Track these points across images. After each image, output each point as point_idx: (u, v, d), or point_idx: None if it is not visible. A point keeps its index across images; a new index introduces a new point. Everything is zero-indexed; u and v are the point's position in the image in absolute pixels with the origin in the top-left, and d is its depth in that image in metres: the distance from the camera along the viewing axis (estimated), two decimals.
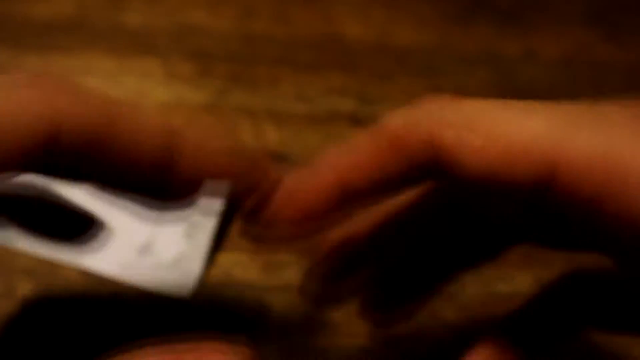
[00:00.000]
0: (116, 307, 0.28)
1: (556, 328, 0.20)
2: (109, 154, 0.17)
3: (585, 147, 0.15)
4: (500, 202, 0.18)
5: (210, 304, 0.29)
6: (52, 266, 0.29)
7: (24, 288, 0.28)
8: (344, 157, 0.19)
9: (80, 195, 0.31)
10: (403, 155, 0.17)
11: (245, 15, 0.42)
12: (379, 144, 0.18)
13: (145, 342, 0.17)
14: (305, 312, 0.29)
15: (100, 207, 0.31)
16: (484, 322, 0.29)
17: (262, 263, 0.30)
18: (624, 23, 0.44)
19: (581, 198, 0.15)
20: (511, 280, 0.30)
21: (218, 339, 0.17)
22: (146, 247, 0.30)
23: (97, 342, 0.28)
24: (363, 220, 0.21)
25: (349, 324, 0.28)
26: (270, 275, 0.30)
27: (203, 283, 0.29)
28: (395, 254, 0.22)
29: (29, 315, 0.28)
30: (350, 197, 0.18)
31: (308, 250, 0.22)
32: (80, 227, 0.22)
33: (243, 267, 0.30)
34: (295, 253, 0.30)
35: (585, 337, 0.27)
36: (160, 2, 0.42)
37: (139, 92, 0.36)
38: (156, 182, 0.19)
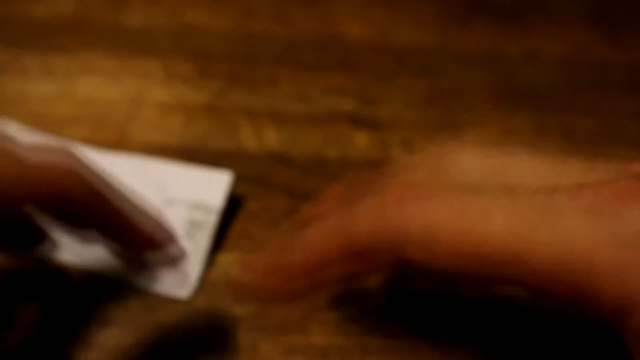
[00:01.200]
0: (116, 306, 0.28)
1: None
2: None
3: (545, 248, 0.16)
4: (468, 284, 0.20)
5: (210, 304, 0.29)
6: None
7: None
8: (309, 255, 0.20)
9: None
10: (369, 262, 0.19)
11: (245, 15, 0.42)
12: (344, 254, 0.19)
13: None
14: (305, 311, 0.29)
15: None
16: (484, 322, 0.29)
17: None
18: (624, 23, 0.45)
19: (550, 293, 0.17)
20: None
21: None
22: None
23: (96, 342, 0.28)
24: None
25: (349, 324, 0.28)
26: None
27: (203, 283, 0.29)
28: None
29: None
30: (319, 283, 0.20)
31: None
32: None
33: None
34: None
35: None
36: (160, 2, 0.42)
37: (139, 92, 0.36)
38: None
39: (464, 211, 0.17)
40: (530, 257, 0.16)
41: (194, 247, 0.30)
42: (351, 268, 0.19)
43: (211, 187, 0.31)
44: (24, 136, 0.33)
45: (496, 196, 0.17)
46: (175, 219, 0.30)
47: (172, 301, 0.28)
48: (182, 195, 0.31)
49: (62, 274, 0.29)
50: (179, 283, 0.29)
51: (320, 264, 0.19)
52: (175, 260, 0.24)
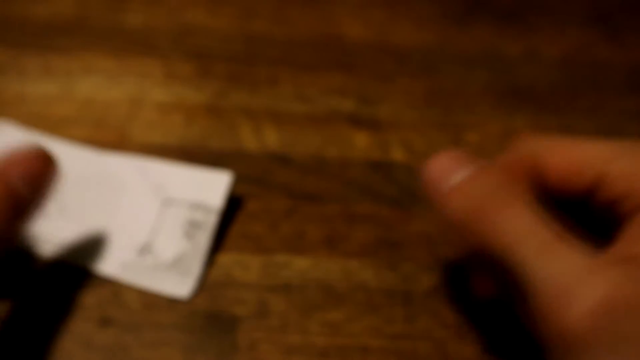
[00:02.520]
0: (116, 306, 0.28)
1: None
2: None
3: (622, 169, 0.24)
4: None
5: (210, 304, 0.29)
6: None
7: None
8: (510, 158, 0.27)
9: (82, 194, 0.31)
10: (527, 172, 0.26)
11: (245, 15, 0.42)
12: (525, 163, 0.26)
13: None
14: (305, 312, 0.29)
15: (101, 206, 0.31)
16: (484, 322, 0.29)
17: (262, 263, 0.30)
18: (624, 23, 0.44)
19: (616, 206, 0.24)
20: None
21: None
22: (146, 247, 0.30)
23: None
24: None
25: (349, 324, 0.28)
26: (270, 275, 0.30)
27: (203, 283, 0.29)
28: None
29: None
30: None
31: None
32: None
33: (243, 267, 0.30)
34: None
35: None
36: (160, 2, 0.42)
37: (139, 92, 0.36)
38: None
39: (575, 139, 0.26)
40: (610, 173, 0.24)
41: (194, 247, 0.30)
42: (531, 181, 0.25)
43: (211, 187, 0.31)
44: (24, 136, 0.33)
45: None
46: (175, 219, 0.30)
47: (172, 301, 0.28)
48: (182, 195, 0.31)
49: (58, 275, 0.29)
50: (179, 283, 0.29)
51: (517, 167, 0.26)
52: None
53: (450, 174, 0.25)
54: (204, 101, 0.37)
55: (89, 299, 0.28)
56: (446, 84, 0.39)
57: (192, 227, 0.30)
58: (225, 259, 0.30)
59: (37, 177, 0.25)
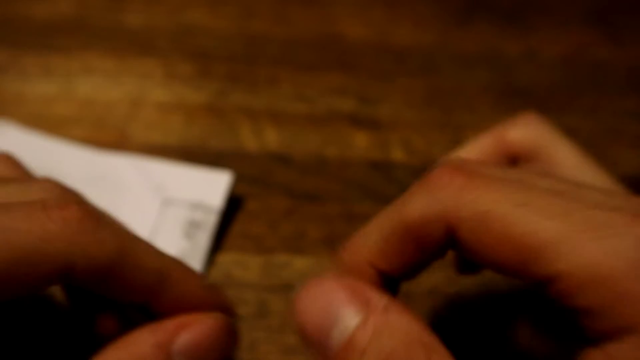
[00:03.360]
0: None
1: None
2: (112, 283, 0.20)
3: (586, 262, 0.16)
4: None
5: None
6: None
7: None
8: (369, 245, 0.20)
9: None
10: (423, 242, 0.19)
11: (245, 15, 0.42)
12: (400, 235, 0.19)
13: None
14: None
15: (101, 206, 0.31)
16: (485, 323, 0.29)
17: (262, 263, 0.30)
18: (624, 23, 0.45)
19: (575, 305, 0.17)
20: (511, 280, 0.30)
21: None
22: None
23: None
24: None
25: None
26: (270, 275, 0.30)
27: None
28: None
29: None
30: (384, 277, 0.20)
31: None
32: None
33: (243, 267, 0.30)
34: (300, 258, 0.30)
35: None
36: (160, 2, 0.42)
37: (139, 92, 0.36)
38: (147, 305, 0.22)
39: (519, 202, 0.18)
40: (570, 265, 0.16)
41: (194, 246, 0.30)
42: (408, 250, 0.19)
43: (211, 187, 0.31)
44: (24, 136, 0.33)
45: (558, 194, 0.18)
46: (175, 218, 0.30)
47: None
48: (182, 195, 0.31)
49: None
50: None
51: (382, 253, 0.19)
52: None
53: (336, 322, 0.18)
54: (204, 101, 0.37)
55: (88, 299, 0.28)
56: (446, 84, 0.39)
57: (192, 227, 0.30)
58: (225, 258, 0.30)
59: (207, 352, 0.21)
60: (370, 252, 0.19)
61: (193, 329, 0.21)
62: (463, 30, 0.43)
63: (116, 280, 0.20)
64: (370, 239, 0.19)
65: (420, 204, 0.18)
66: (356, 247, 0.20)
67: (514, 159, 0.26)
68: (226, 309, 0.22)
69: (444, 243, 0.18)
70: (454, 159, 0.20)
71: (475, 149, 0.26)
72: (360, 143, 0.35)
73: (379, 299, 0.18)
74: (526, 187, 0.18)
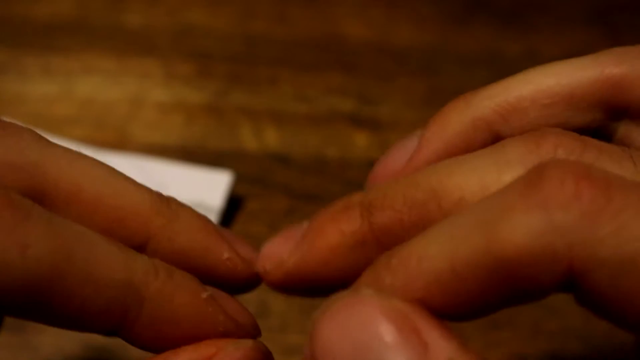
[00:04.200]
0: None
1: None
2: (50, 308, 0.14)
3: None
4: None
5: None
6: None
7: None
8: (427, 278, 0.12)
9: None
10: (522, 285, 0.12)
11: (245, 15, 0.42)
12: (486, 271, 0.12)
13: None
14: (305, 312, 0.29)
15: None
16: (484, 322, 0.29)
17: None
18: (624, 23, 0.44)
19: None
20: None
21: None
22: None
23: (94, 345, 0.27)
24: None
25: None
26: None
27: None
28: None
29: None
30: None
31: None
32: None
33: None
34: None
35: None
36: (160, 2, 0.42)
37: (139, 92, 0.36)
38: (109, 332, 0.15)
39: None
40: None
41: None
42: (492, 292, 0.12)
43: (211, 187, 0.31)
44: None
45: None
46: None
47: None
48: (181, 195, 0.31)
49: None
50: None
51: (445, 299, 0.12)
52: None
53: None
54: (204, 101, 0.37)
55: None
56: (446, 84, 0.39)
57: None
58: None
59: None
60: (428, 288, 0.12)
61: None
62: (463, 30, 0.43)
63: (55, 305, 0.13)
64: (431, 268, 0.12)
65: (528, 228, 0.11)
66: (406, 275, 0.12)
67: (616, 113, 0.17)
68: (247, 327, 0.17)
69: (556, 288, 0.12)
70: (571, 158, 0.13)
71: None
72: (361, 143, 0.35)
73: (442, 346, 0.12)
74: None
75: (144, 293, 0.14)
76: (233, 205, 0.32)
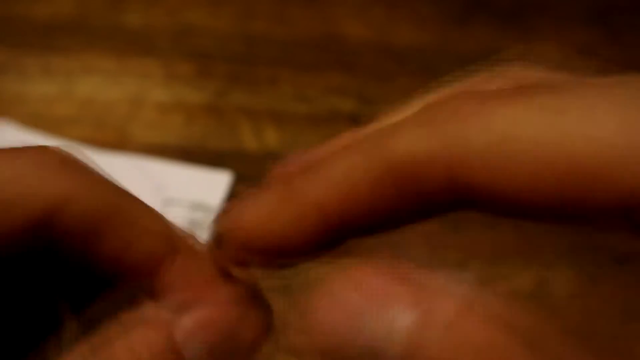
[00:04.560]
0: None
1: None
2: (100, 245, 0.15)
3: None
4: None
5: None
6: None
7: None
8: (326, 184, 0.14)
9: None
10: (411, 191, 0.13)
11: (245, 15, 0.42)
12: (378, 177, 0.13)
13: None
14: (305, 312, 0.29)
15: None
16: None
17: None
18: (624, 23, 0.44)
19: None
20: (511, 280, 0.30)
21: None
22: None
23: None
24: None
25: None
26: (270, 275, 0.30)
27: None
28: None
29: None
30: (337, 230, 0.14)
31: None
32: None
33: None
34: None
35: None
36: (160, 2, 0.42)
37: (139, 92, 0.36)
38: (139, 283, 0.16)
39: (552, 111, 0.12)
40: None
41: None
42: (388, 204, 0.13)
43: (211, 187, 0.31)
44: (24, 136, 0.33)
45: (597, 87, 0.13)
46: (175, 218, 0.30)
47: None
48: (182, 195, 0.31)
49: None
50: None
51: (345, 199, 0.13)
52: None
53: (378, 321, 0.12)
54: (204, 101, 0.37)
55: None
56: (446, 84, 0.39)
57: (192, 226, 0.30)
58: None
59: (230, 333, 0.15)
60: (327, 193, 0.14)
61: (205, 304, 0.15)
62: (463, 30, 0.43)
63: (107, 240, 0.15)
64: (329, 176, 0.14)
65: (412, 137, 0.13)
66: (304, 181, 0.14)
67: None
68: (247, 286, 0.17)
69: (444, 195, 0.13)
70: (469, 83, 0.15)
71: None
72: None
73: (434, 279, 0.12)
74: (557, 91, 0.13)
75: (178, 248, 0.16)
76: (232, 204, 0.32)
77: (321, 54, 0.40)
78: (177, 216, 0.30)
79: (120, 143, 0.34)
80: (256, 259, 0.15)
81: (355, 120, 0.36)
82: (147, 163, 0.32)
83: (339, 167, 0.14)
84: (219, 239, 0.16)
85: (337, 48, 0.40)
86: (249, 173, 0.33)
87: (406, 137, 0.13)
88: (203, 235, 0.31)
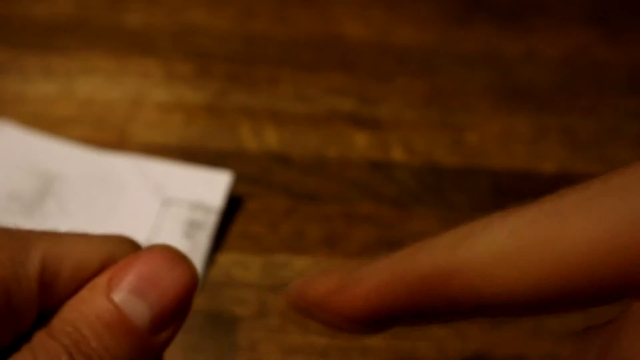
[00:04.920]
0: None
1: None
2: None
3: None
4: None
5: (210, 304, 0.29)
6: None
7: None
8: (372, 285, 0.17)
9: (82, 194, 0.31)
10: (439, 298, 0.15)
11: (245, 15, 0.42)
12: (410, 280, 0.16)
13: None
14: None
15: (101, 206, 0.31)
16: (484, 322, 0.29)
17: (262, 263, 0.30)
18: (624, 23, 0.44)
19: None
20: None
21: None
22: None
23: None
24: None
25: None
26: (270, 275, 0.30)
27: (203, 283, 0.29)
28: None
29: None
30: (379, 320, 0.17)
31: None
32: None
33: (243, 267, 0.30)
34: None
35: None
36: (160, 2, 0.42)
37: (139, 92, 0.36)
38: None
39: (532, 224, 0.14)
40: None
41: (194, 247, 0.30)
42: (421, 307, 0.16)
43: (211, 187, 0.31)
44: (24, 136, 0.33)
45: (566, 197, 0.14)
46: (175, 218, 0.30)
47: None
48: (181, 195, 0.31)
49: None
50: None
51: (386, 300, 0.16)
52: None
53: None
54: (204, 101, 0.37)
55: None
56: (446, 84, 0.39)
57: (192, 227, 0.30)
58: (225, 259, 0.30)
59: (161, 285, 0.17)
60: (371, 294, 0.16)
61: (137, 264, 0.17)
62: (463, 30, 0.43)
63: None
64: (371, 283, 0.16)
65: (435, 253, 0.16)
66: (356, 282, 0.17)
67: None
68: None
69: (463, 301, 0.15)
70: None
71: None
72: (360, 143, 0.35)
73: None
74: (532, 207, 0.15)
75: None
76: (233, 205, 0.32)
77: (321, 54, 0.40)
78: (176, 216, 0.30)
79: (120, 143, 0.34)
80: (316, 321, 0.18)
81: (355, 120, 0.37)
82: (147, 163, 0.32)
83: (379, 275, 0.16)
84: (294, 300, 0.18)
85: (337, 48, 0.41)
86: (249, 173, 0.33)
87: (430, 253, 0.15)
88: (203, 235, 0.31)
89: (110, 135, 0.34)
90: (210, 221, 0.30)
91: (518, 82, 0.40)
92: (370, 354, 0.28)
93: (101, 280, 0.16)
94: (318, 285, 0.17)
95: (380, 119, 0.37)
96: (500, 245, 0.14)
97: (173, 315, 0.17)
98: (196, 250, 0.30)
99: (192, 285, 0.17)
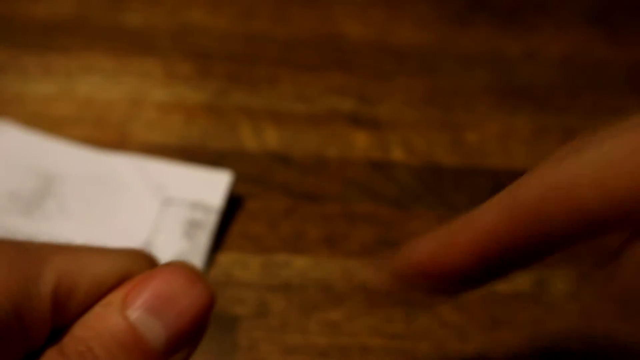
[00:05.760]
0: None
1: None
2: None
3: None
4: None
5: None
6: None
7: None
8: (480, 226, 0.17)
9: (82, 194, 0.31)
10: (539, 226, 0.16)
11: (245, 15, 0.42)
12: (512, 214, 0.16)
13: None
14: (305, 312, 0.29)
15: (101, 206, 0.31)
16: (484, 322, 0.29)
17: (262, 263, 0.30)
18: (624, 23, 0.44)
19: None
20: (511, 280, 0.30)
21: None
22: (146, 246, 0.30)
23: None
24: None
25: (349, 323, 0.28)
26: (270, 275, 0.30)
27: None
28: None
29: None
30: (491, 264, 0.17)
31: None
32: None
33: (243, 267, 0.30)
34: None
35: None
36: (160, 2, 0.42)
37: (139, 92, 0.36)
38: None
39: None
40: None
41: (194, 246, 0.30)
42: (525, 241, 0.16)
43: (211, 186, 0.31)
44: (24, 136, 0.33)
45: None
46: (175, 218, 0.30)
47: None
48: (181, 195, 0.31)
49: None
50: None
51: (489, 239, 0.16)
52: None
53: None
54: (204, 101, 0.37)
55: None
56: (446, 84, 0.39)
57: (192, 226, 0.30)
58: (225, 258, 0.30)
59: (175, 303, 0.16)
60: (478, 233, 0.17)
61: (154, 281, 0.16)
62: (463, 30, 0.43)
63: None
64: (479, 223, 0.17)
65: (537, 179, 0.17)
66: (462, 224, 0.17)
67: None
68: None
69: (561, 223, 0.16)
70: None
71: None
72: (360, 143, 0.35)
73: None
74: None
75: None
76: (233, 205, 0.32)
77: (321, 54, 0.40)
78: (176, 216, 0.30)
79: (120, 143, 0.34)
80: (428, 285, 0.18)
81: (355, 120, 0.37)
82: (147, 163, 0.32)
83: (485, 217, 0.17)
84: (397, 267, 0.19)
85: (337, 48, 0.41)
86: (249, 173, 0.33)
87: (533, 179, 0.16)
88: (203, 235, 0.31)
89: (110, 135, 0.34)
90: (210, 221, 0.30)
91: (518, 82, 0.40)
92: (371, 354, 0.28)
93: (116, 297, 0.16)
94: (425, 244, 0.18)
95: (380, 119, 0.37)
96: (606, 154, 0.15)
97: (189, 336, 0.16)
98: (196, 250, 0.30)
99: (209, 305, 0.16)
